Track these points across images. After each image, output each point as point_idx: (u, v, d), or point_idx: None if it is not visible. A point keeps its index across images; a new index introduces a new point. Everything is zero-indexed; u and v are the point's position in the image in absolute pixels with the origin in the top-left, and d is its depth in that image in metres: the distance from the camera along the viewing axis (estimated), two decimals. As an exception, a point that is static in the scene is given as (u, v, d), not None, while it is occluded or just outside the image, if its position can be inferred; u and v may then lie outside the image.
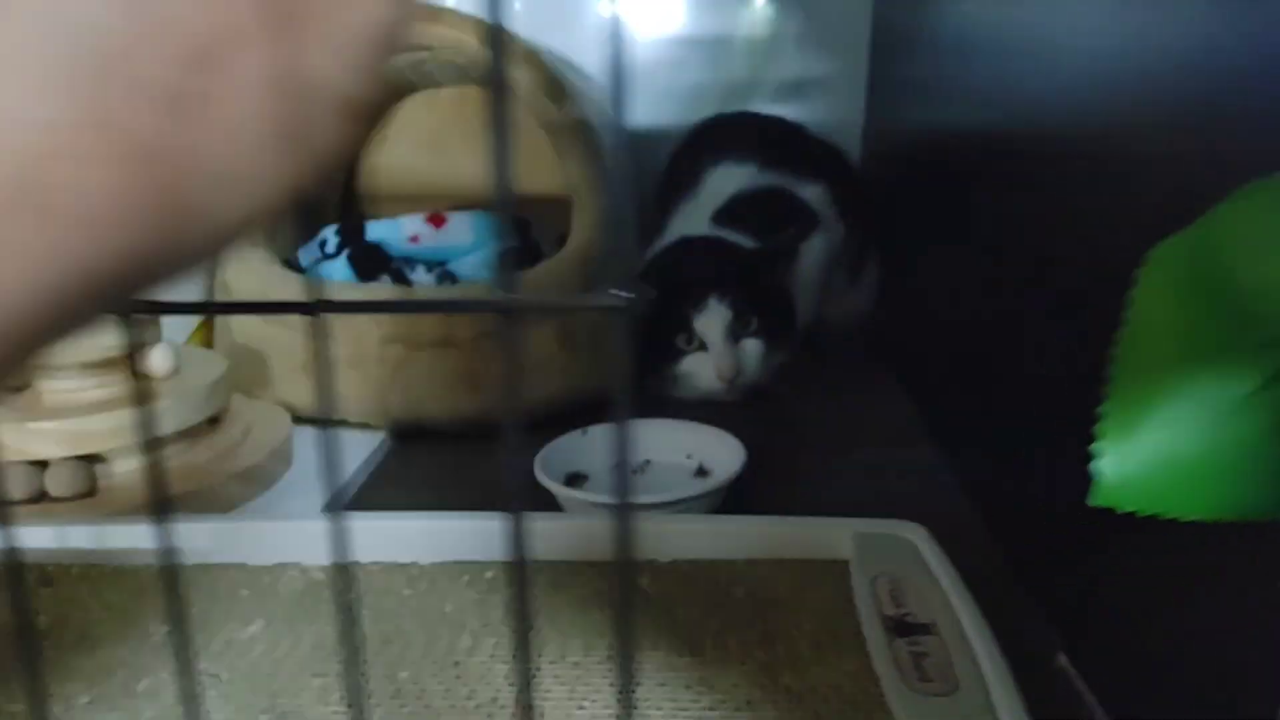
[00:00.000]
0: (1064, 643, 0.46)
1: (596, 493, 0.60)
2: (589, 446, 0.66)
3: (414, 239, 0.76)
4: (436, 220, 0.76)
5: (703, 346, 0.77)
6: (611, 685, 0.39)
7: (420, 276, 0.74)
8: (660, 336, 0.78)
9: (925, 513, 0.50)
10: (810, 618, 0.43)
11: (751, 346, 0.77)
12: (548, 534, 0.50)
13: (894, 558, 0.46)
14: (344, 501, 0.65)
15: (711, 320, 0.76)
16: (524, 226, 0.82)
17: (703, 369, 0.77)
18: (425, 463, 0.71)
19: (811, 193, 0.88)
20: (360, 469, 0.69)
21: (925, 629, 0.41)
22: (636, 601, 0.45)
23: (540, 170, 0.99)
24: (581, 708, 0.37)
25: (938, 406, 0.74)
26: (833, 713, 0.36)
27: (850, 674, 0.39)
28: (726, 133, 0.95)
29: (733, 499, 0.61)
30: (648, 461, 0.67)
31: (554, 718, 0.37)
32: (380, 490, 0.67)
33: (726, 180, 0.88)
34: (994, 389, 0.62)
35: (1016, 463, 0.56)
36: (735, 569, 0.47)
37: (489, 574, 0.47)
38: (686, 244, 0.84)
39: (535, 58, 0.85)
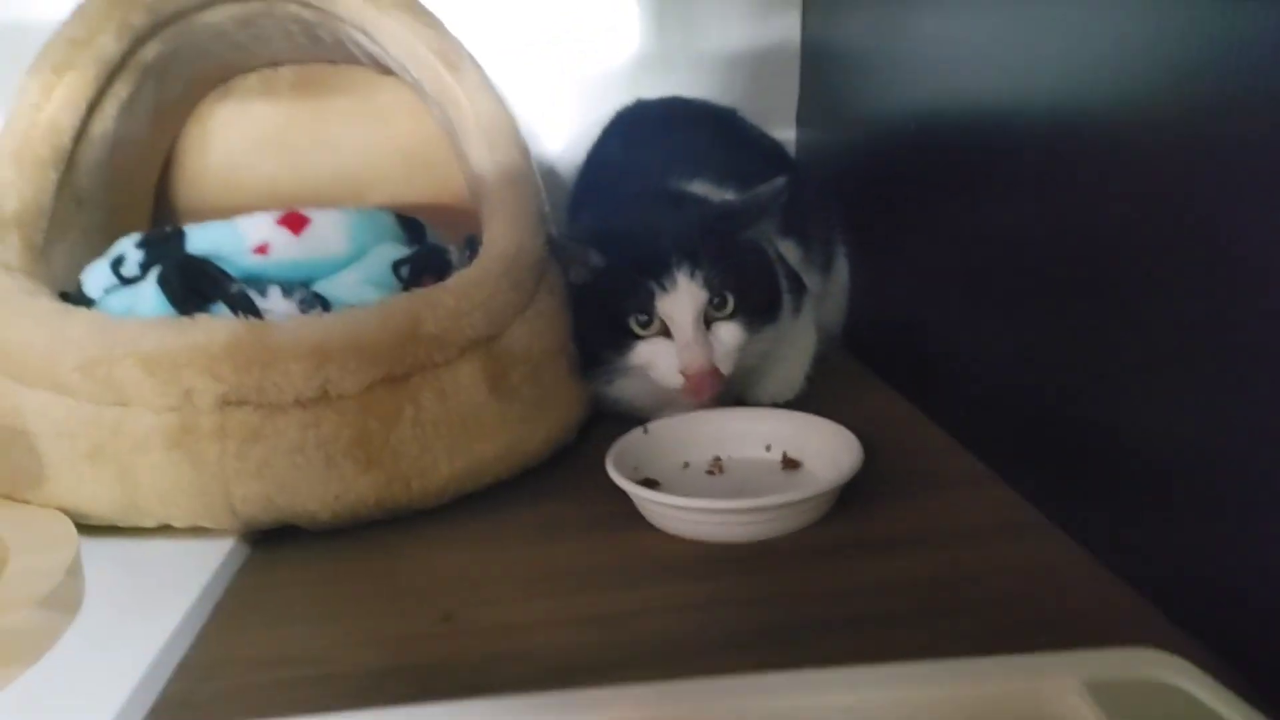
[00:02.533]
0: None
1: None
2: (653, 445, 0.56)
3: (262, 249, 0.52)
4: (294, 222, 0.53)
5: (665, 331, 0.57)
6: None
7: (275, 303, 0.50)
8: (607, 317, 0.58)
9: (1056, 589, 0.41)
10: None
11: (727, 334, 0.58)
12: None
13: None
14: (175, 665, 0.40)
15: (679, 299, 0.56)
16: (418, 229, 0.59)
17: (664, 361, 0.57)
18: (300, 580, 0.47)
19: (786, 247, 0.70)
20: (200, 601, 0.44)
21: None
22: None
23: (432, 170, 0.77)
24: None
25: (972, 419, 0.57)
26: None
27: None
28: (682, 137, 0.75)
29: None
30: (717, 458, 0.56)
31: None
32: (234, 633, 0.43)
33: None
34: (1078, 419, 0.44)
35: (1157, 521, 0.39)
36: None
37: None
38: (645, 199, 0.65)
39: (428, 17, 0.63)
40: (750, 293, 0.59)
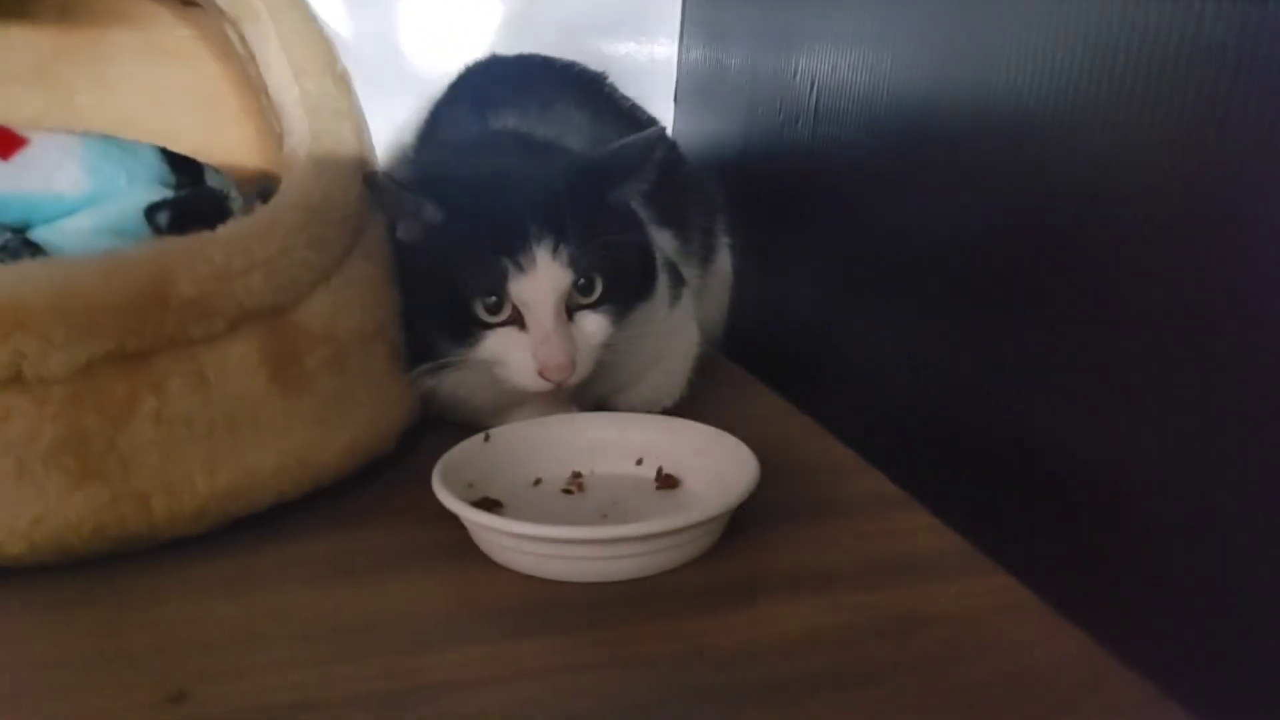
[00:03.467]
0: None
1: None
2: (495, 457, 0.44)
3: (-57, 173, 0.37)
4: (3, 142, 0.38)
5: (517, 318, 0.46)
6: None
7: (-43, 247, 0.35)
8: (444, 295, 0.46)
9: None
10: None
11: (593, 326, 0.47)
12: None
13: None
14: None
15: (538, 282, 0.45)
16: (194, 172, 0.46)
17: (518, 357, 0.46)
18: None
19: (662, 237, 0.60)
20: None
21: None
22: None
23: (243, 125, 0.63)
24: None
25: (877, 432, 0.49)
26: None
27: None
28: (541, 98, 0.63)
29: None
30: (576, 474, 0.45)
31: None
32: None
33: None
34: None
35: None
36: None
37: None
38: (498, 143, 0.53)
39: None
40: (621, 274, 0.48)
